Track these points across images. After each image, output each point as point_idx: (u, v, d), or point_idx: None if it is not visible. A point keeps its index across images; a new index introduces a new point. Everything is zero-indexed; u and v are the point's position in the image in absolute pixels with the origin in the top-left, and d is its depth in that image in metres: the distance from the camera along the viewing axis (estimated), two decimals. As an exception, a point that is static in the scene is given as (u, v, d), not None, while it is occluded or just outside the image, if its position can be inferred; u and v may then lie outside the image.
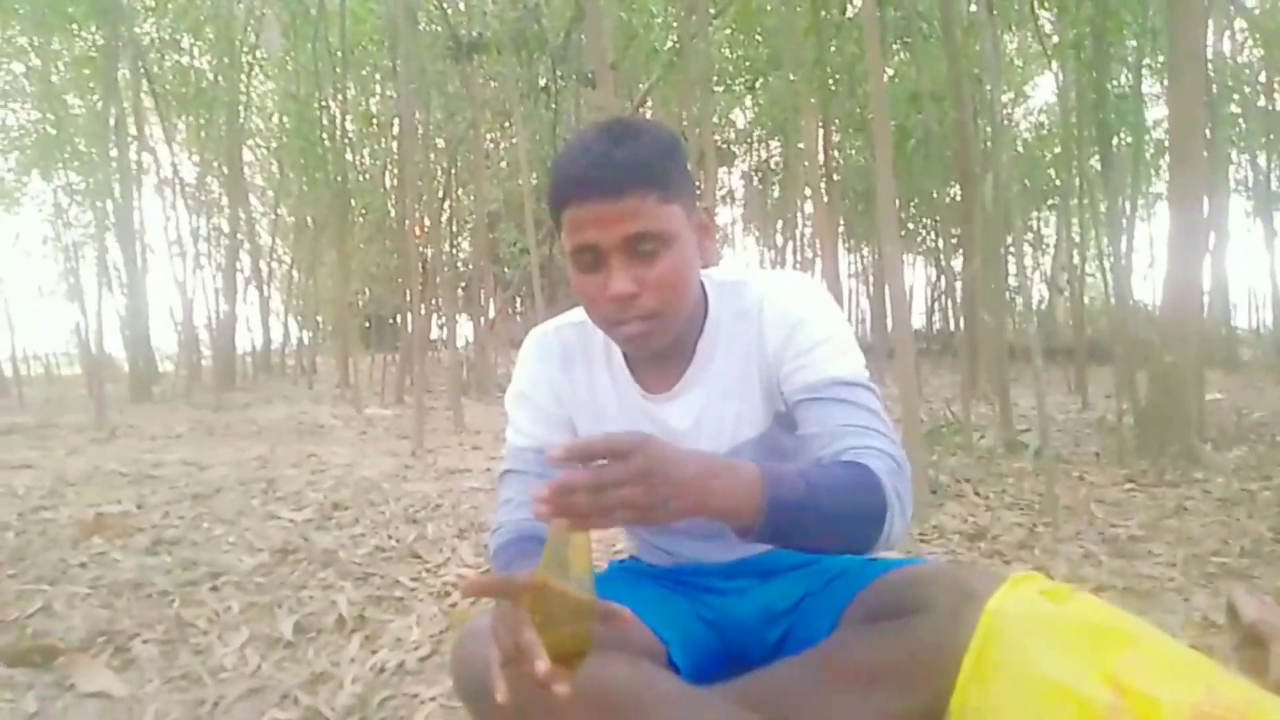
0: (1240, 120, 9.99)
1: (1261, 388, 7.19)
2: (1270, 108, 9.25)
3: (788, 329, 1.17)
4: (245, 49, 10.82)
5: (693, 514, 0.87)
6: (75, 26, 9.75)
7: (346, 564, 2.28)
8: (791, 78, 7.21)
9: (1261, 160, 10.78)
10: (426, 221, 8.65)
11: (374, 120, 11.84)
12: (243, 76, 11.05)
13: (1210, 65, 6.26)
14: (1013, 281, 6.68)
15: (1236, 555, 2.20)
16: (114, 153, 9.08)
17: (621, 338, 1.15)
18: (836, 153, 11.00)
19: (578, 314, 1.25)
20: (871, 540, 1.04)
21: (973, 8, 5.88)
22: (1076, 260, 7.38)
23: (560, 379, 1.25)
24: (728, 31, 10.09)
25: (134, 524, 2.75)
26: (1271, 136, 9.69)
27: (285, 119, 11.77)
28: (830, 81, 7.72)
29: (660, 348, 1.16)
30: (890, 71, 8.24)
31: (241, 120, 11.52)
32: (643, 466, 0.83)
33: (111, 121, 8.89)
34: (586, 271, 1.08)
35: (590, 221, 1.03)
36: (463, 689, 1.18)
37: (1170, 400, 3.69)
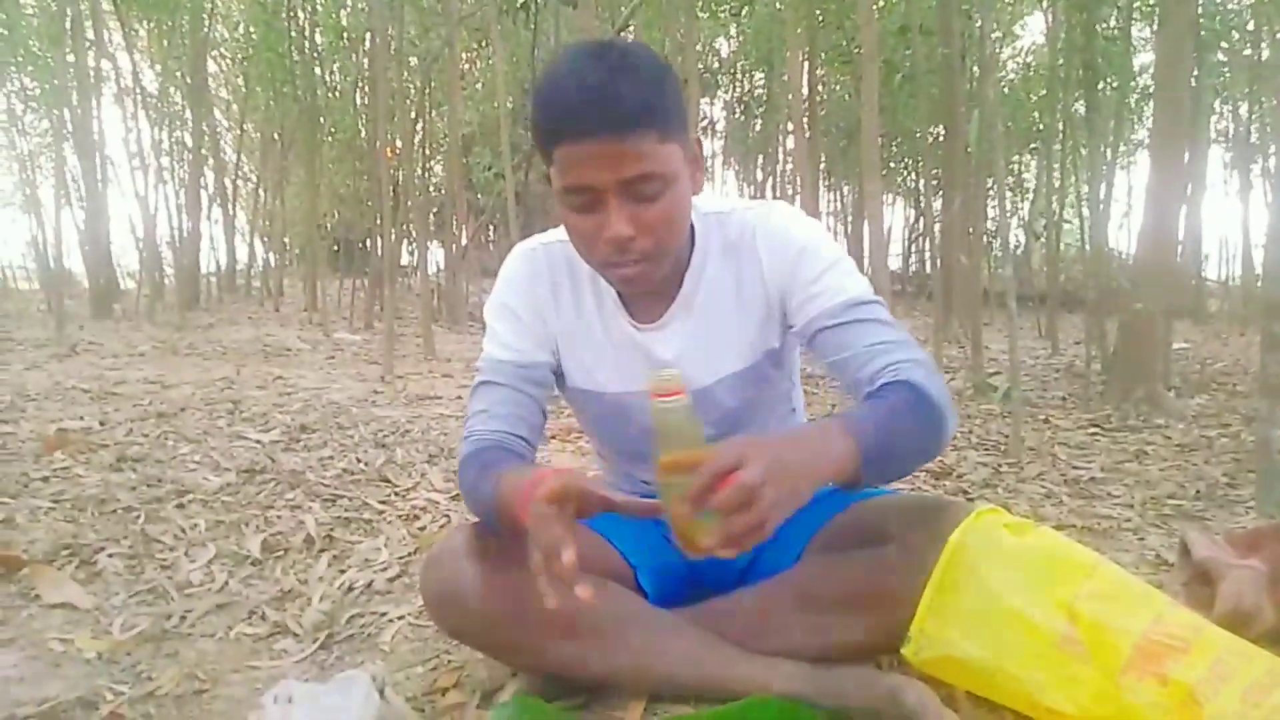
0: (1225, 70, 9.95)
1: (1227, 339, 7.32)
2: (1256, 57, 9.19)
3: (791, 259, 1.16)
4: (210, -48, 10.33)
5: (813, 491, 0.88)
6: (27, -80, 9.22)
7: (314, 485, 2.27)
8: (779, 6, 7.04)
9: (1243, 110, 10.78)
10: (398, 143, 8.43)
11: (345, 35, 11.39)
12: (207, -19, 10.57)
13: (1200, 9, 6.19)
14: (991, 225, 6.70)
15: (1191, 498, 2.26)
16: (70, 58, 8.68)
17: (616, 279, 1.13)
18: (820, 87, 10.83)
19: (562, 229, 1.20)
20: (939, 447, 1.09)
21: (966, -60, 5.75)
22: (1055, 206, 7.38)
23: (546, 297, 1.23)
24: (714, -45, 9.79)
25: (97, 440, 2.70)
26: (1255, 87, 9.66)
27: (252, 30, 11.29)
28: (817, 12, 7.55)
29: (654, 286, 1.14)
30: (879, 3, 8.07)
31: (206, 29, 11.04)
32: (767, 469, 0.81)
33: (68, 24, 8.47)
34: (580, 211, 1.04)
35: (588, 161, 0.99)
36: (433, 607, 1.18)
37: (1137, 347, 3.74)
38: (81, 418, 3.10)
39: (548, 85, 1.01)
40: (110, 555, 1.72)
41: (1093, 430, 3.22)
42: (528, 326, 1.22)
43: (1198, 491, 2.31)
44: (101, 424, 3.00)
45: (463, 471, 1.15)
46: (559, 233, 1.23)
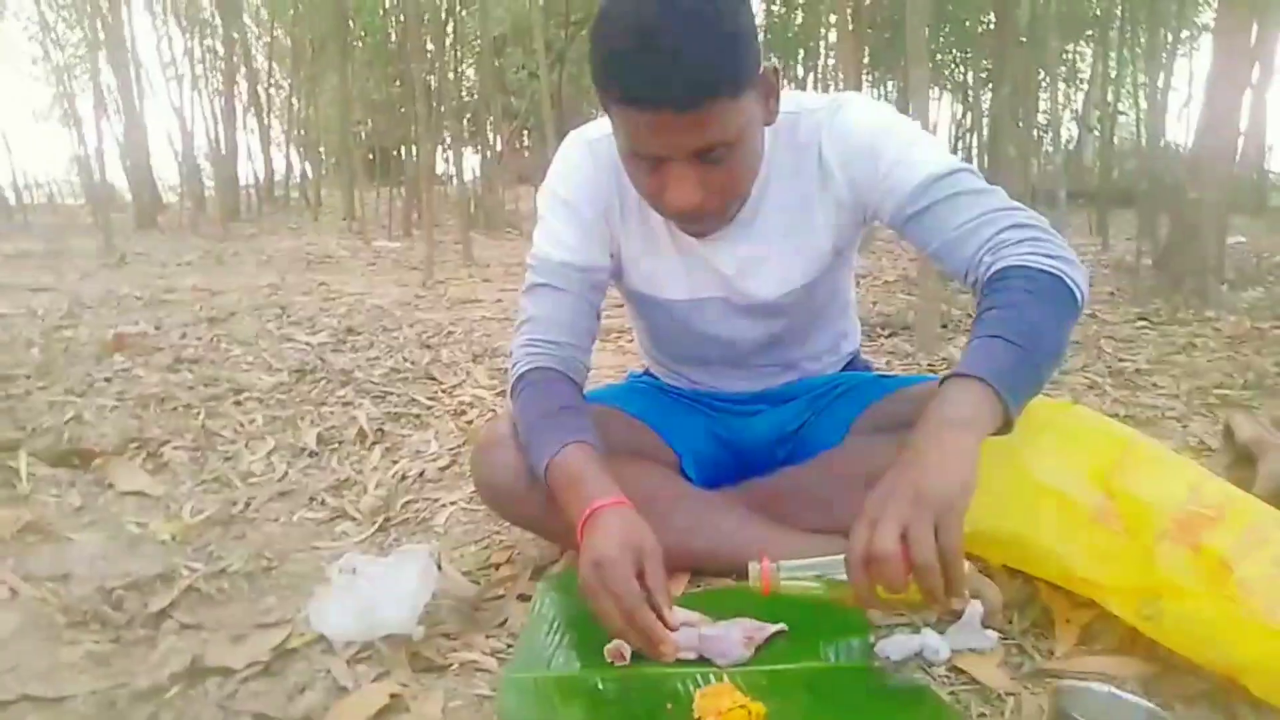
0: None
1: (1285, 232, 7.06)
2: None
3: (860, 158, 1.07)
4: None
5: (968, 487, 0.80)
6: None
7: (364, 383, 2.34)
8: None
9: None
10: (429, 45, 8.28)
11: (371, -67, 11.08)
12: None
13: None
14: (1043, 119, 6.45)
15: (1239, 388, 2.23)
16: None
17: (682, 228, 1.09)
18: (864, -25, 10.32)
19: None
20: (1075, 313, 0.97)
21: None
22: (1110, 97, 7.06)
23: (611, 196, 1.15)
24: None
25: (153, 343, 2.80)
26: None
27: (277, -69, 11.03)
28: (861, -108, 7.14)
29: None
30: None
31: (230, -69, 10.81)
32: (922, 507, 0.77)
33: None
34: (641, 170, 0.97)
35: (653, 130, 0.90)
36: (485, 492, 1.22)
37: (1190, 239, 3.63)
38: (137, 322, 3.20)
39: (607, 30, 0.89)
40: (175, 448, 1.81)
41: (1141, 324, 3.17)
42: (590, 226, 1.14)
43: (1245, 381, 2.28)
44: (156, 328, 3.10)
45: (517, 392, 1.12)
46: (610, 125, 1.15)
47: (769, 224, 1.13)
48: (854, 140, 1.08)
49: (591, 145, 1.15)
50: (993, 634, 0.99)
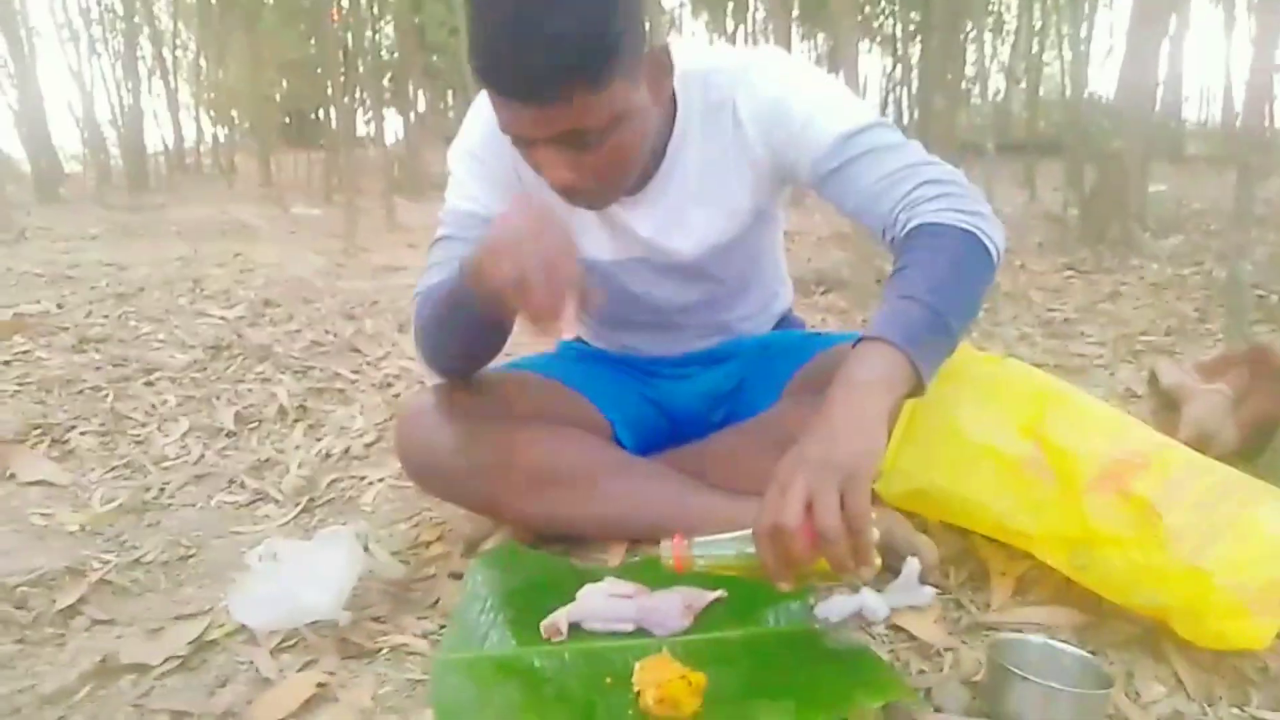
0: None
1: (1204, 180, 7.31)
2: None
3: (773, 117, 1.04)
4: None
5: (876, 450, 0.77)
6: None
7: (283, 358, 2.25)
8: None
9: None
10: (344, 2, 7.95)
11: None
12: None
13: None
14: (970, 71, 6.51)
15: (1162, 334, 2.30)
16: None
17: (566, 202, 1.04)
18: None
19: None
20: (994, 270, 0.95)
21: None
22: (1035, 48, 7.16)
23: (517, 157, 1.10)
24: None
25: (56, 323, 2.64)
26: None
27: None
28: None
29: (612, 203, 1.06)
30: None
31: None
32: (807, 489, 0.74)
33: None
34: (518, 146, 0.94)
35: (510, 114, 0.88)
36: (411, 467, 1.18)
37: (1114, 188, 3.72)
38: (38, 301, 3.02)
39: (473, 10, 0.87)
40: (82, 433, 1.71)
41: (1068, 274, 3.25)
42: (497, 178, 1.12)
43: (1169, 328, 2.35)
44: (59, 307, 2.93)
45: (417, 321, 1.10)
46: None
47: (684, 184, 1.10)
48: (767, 100, 1.05)
49: None
50: (930, 590, 0.99)
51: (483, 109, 1.13)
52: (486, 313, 0.95)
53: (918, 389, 0.84)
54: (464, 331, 1.05)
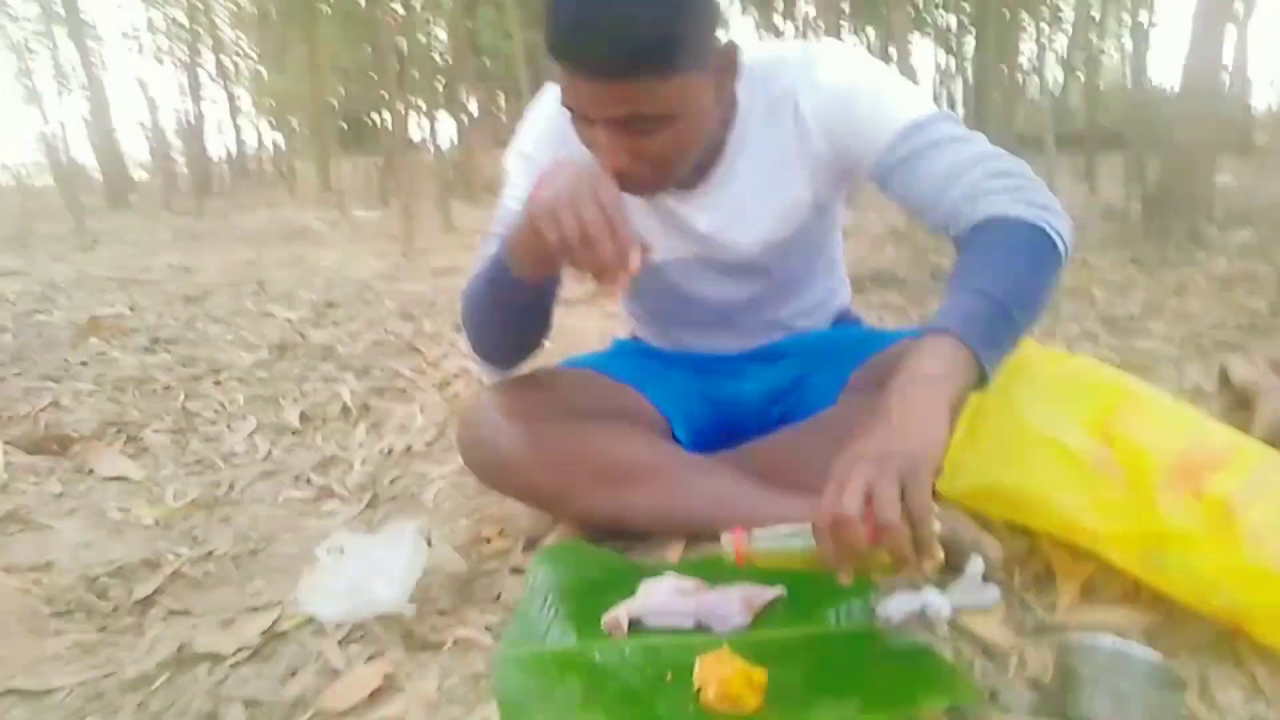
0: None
1: (1273, 171, 7.04)
2: None
3: (836, 112, 1.04)
4: None
5: (938, 448, 0.77)
6: None
7: (346, 358, 2.30)
8: None
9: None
10: (399, 9, 8.09)
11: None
12: None
13: None
14: (1025, 64, 6.38)
15: (1233, 330, 2.22)
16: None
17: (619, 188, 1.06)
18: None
19: None
20: (1059, 265, 0.94)
21: None
22: (1094, 39, 6.98)
23: (576, 149, 1.09)
24: None
25: (129, 325, 2.74)
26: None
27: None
28: None
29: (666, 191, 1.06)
30: None
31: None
32: (887, 467, 0.74)
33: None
34: (578, 126, 0.95)
35: (576, 90, 0.90)
36: (474, 465, 1.20)
37: (1179, 182, 3.61)
38: (111, 305, 3.14)
39: None
40: (155, 431, 1.77)
41: (1131, 269, 3.16)
42: None
43: (1239, 324, 2.27)
44: (131, 309, 3.04)
45: (463, 310, 1.11)
46: None
47: (745, 179, 1.10)
48: (829, 93, 1.04)
49: (557, 102, 1.11)
50: (994, 589, 0.98)
51: (539, 111, 1.14)
52: (532, 285, 0.98)
53: (981, 383, 0.83)
54: (506, 312, 1.06)
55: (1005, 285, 0.86)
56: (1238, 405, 1.38)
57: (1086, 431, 0.97)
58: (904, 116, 1.00)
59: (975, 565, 0.97)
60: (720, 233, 1.13)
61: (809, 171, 1.10)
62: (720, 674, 0.81)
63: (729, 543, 0.85)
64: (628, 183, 0.98)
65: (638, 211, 1.14)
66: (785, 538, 0.85)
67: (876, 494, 0.73)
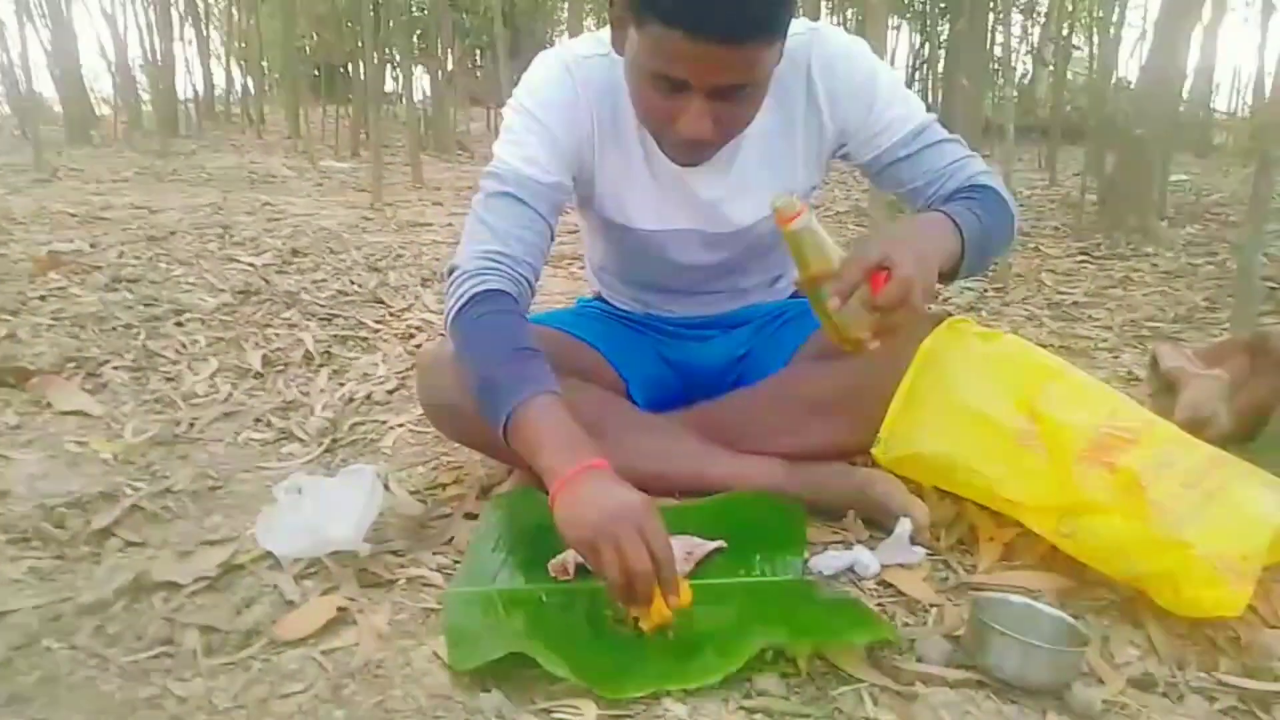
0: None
1: (1228, 171, 7.21)
2: None
3: (853, 93, 1.11)
4: None
5: (939, 259, 0.96)
6: None
7: (310, 305, 2.30)
8: None
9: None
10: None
11: None
12: None
13: None
14: (998, 51, 6.43)
15: (1170, 321, 2.32)
16: None
17: (671, 156, 1.08)
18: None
19: (600, 44, 1.10)
20: (1011, 241, 1.19)
21: None
22: (1065, 31, 7.06)
23: (584, 121, 1.12)
24: None
25: (89, 262, 2.71)
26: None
27: None
28: None
29: None
30: None
31: None
32: (915, 263, 0.89)
33: None
34: (658, 92, 0.95)
35: (689, 58, 0.89)
36: (431, 412, 1.23)
37: (1133, 176, 3.70)
38: (71, 241, 3.09)
39: None
40: (115, 368, 1.77)
41: (1081, 258, 3.25)
42: (561, 146, 1.10)
43: (1176, 315, 2.37)
44: (92, 246, 2.99)
45: (463, 314, 1.03)
46: (592, 45, 1.12)
47: (750, 150, 1.13)
48: (844, 77, 1.11)
49: (569, 68, 1.11)
50: (920, 550, 1.05)
51: (547, 74, 1.11)
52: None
53: (954, 270, 1.01)
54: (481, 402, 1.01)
55: (990, 223, 1.05)
56: (1165, 390, 1.45)
57: (1014, 407, 1.03)
58: (914, 117, 1.13)
59: (903, 526, 1.03)
60: (721, 202, 1.17)
61: (812, 146, 1.16)
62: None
63: (788, 205, 0.92)
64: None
65: (641, 177, 1.16)
66: (828, 244, 0.95)
67: (893, 261, 0.89)
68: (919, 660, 0.86)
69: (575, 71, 1.11)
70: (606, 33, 1.11)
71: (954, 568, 1.04)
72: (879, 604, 0.97)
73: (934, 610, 0.96)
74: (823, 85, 1.11)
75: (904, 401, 1.09)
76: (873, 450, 1.11)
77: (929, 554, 1.06)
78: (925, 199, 1.14)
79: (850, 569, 1.01)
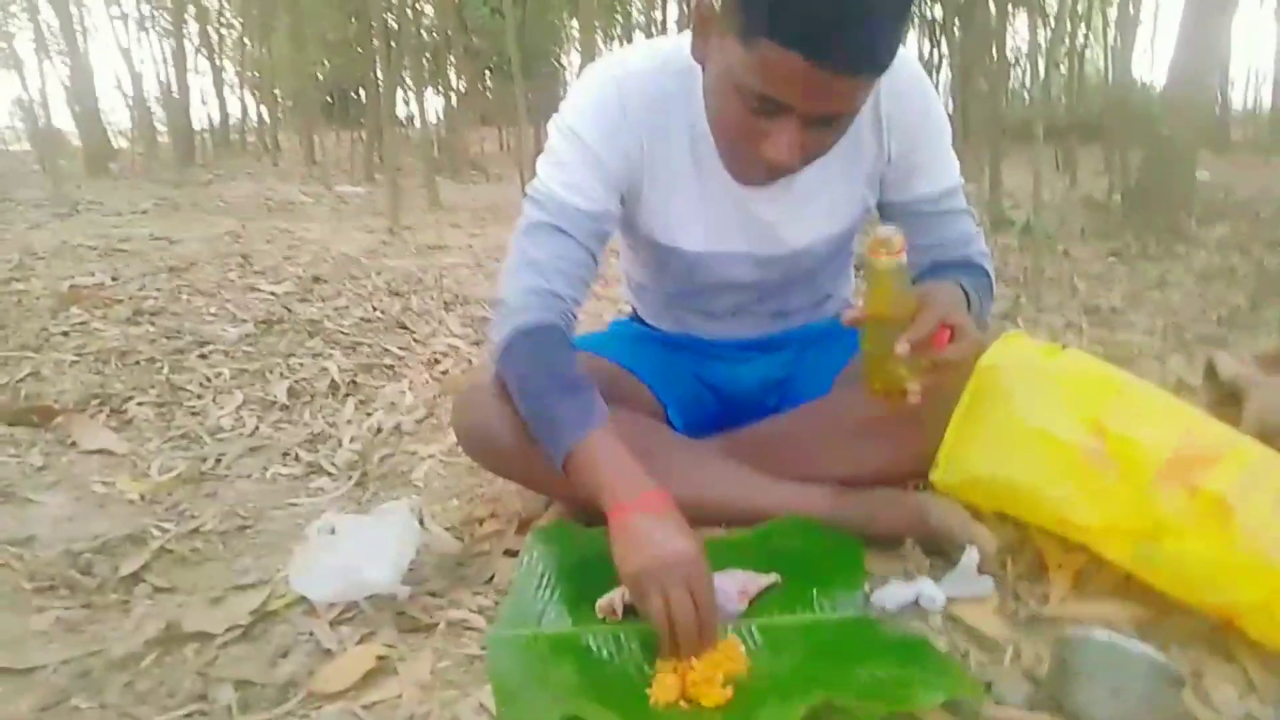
0: None
1: (1250, 168, 7.10)
2: None
3: (916, 126, 1.09)
4: None
5: None
6: None
7: (333, 333, 2.27)
8: None
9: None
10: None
11: None
12: None
13: None
14: (1011, 56, 6.39)
15: (1214, 324, 2.25)
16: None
17: (739, 174, 1.06)
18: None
19: (654, 55, 1.06)
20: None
21: None
22: (1080, 33, 7.00)
23: (634, 142, 1.06)
24: None
25: (111, 295, 2.69)
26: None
27: None
28: None
29: None
30: None
31: None
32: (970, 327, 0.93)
33: None
34: (750, 111, 0.90)
35: (801, 84, 0.84)
36: (468, 445, 1.18)
37: (1161, 175, 3.64)
38: (93, 274, 3.08)
39: None
40: (139, 404, 1.74)
41: (1112, 260, 3.18)
42: (607, 171, 1.06)
43: (1219, 317, 2.30)
44: (114, 279, 2.98)
45: (514, 347, 1.02)
46: (645, 57, 1.07)
47: (813, 171, 1.05)
48: (907, 106, 1.08)
49: (620, 84, 1.05)
50: (989, 580, 0.99)
51: (597, 93, 1.06)
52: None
53: None
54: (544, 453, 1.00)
55: (978, 308, 1.08)
56: (1224, 400, 1.39)
57: (1080, 425, 0.97)
58: (951, 175, 1.14)
59: (970, 556, 0.97)
60: (782, 224, 1.13)
61: (870, 163, 1.12)
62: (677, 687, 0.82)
63: (892, 239, 0.90)
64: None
65: (692, 198, 1.11)
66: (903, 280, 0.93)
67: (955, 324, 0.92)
68: (997, 703, 0.80)
69: (626, 87, 1.05)
70: (662, 42, 1.08)
71: (1024, 599, 0.99)
72: (948, 641, 0.91)
73: (1009, 648, 0.90)
74: (887, 107, 1.07)
75: (961, 422, 1.04)
76: (930, 475, 1.06)
77: (996, 585, 1.00)
78: (927, 258, 1.14)
79: (915, 603, 0.96)
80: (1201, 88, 3.77)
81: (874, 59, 0.85)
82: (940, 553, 1.05)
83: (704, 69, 0.98)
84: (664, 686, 0.81)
